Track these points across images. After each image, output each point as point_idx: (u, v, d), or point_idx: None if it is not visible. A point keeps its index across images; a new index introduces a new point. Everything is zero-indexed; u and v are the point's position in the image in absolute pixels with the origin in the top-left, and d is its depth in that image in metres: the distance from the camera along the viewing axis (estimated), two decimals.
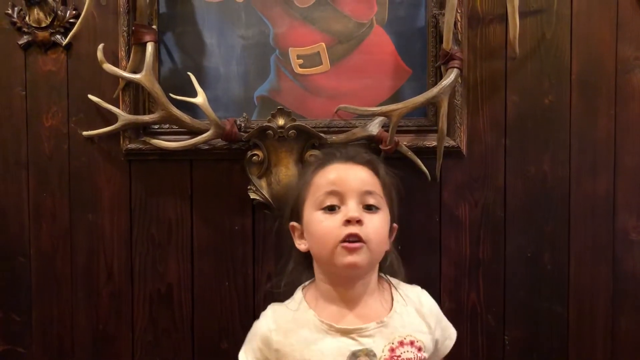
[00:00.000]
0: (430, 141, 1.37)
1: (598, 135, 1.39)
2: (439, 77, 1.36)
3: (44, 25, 1.41)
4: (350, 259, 0.94)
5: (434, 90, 1.31)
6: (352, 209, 0.94)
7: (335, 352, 0.95)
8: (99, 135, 1.41)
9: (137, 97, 1.41)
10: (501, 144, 1.40)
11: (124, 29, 1.38)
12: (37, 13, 1.40)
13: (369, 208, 0.97)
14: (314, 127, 1.36)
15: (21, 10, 1.41)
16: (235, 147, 1.38)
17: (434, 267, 1.41)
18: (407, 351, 0.96)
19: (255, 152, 1.36)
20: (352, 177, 0.98)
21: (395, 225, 1.06)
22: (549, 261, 1.40)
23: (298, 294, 1.05)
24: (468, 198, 1.41)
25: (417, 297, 1.04)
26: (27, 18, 1.41)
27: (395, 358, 0.95)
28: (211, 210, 1.43)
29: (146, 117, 1.38)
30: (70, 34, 1.37)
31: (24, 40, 1.42)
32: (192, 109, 1.36)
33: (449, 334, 1.07)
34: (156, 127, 1.42)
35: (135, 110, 1.40)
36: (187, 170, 1.43)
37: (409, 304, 1.01)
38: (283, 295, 1.10)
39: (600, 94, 1.39)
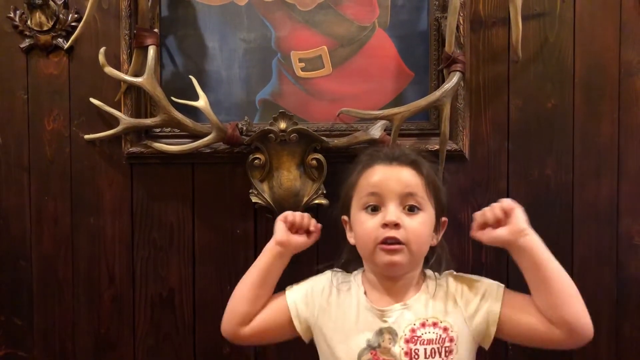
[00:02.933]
0: (433, 145, 1.36)
1: (601, 139, 1.38)
2: (442, 80, 1.36)
3: (45, 28, 1.41)
4: (389, 258, 1.00)
5: (437, 94, 1.31)
6: (390, 212, 1.00)
7: (366, 325, 1.04)
8: (101, 139, 1.41)
9: (139, 101, 1.41)
10: (504, 148, 1.39)
11: (126, 32, 1.38)
12: (39, 16, 1.40)
13: (410, 209, 1.01)
14: (315, 131, 1.36)
15: (23, 13, 1.41)
16: (237, 151, 1.38)
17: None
18: (429, 332, 1.02)
19: (257, 155, 1.36)
20: (394, 179, 1.02)
21: (444, 219, 1.10)
22: None
23: (358, 271, 1.13)
24: (471, 202, 1.40)
25: (444, 281, 1.09)
26: (29, 21, 1.41)
27: (416, 338, 1.01)
28: (213, 214, 1.43)
29: (148, 121, 1.38)
30: (72, 37, 1.38)
31: (26, 43, 1.42)
32: (194, 113, 1.36)
33: (484, 291, 1.07)
34: (158, 130, 1.42)
35: (137, 114, 1.40)
36: (189, 173, 1.43)
37: (437, 289, 1.07)
38: None
39: (604, 98, 1.38)
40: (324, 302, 1.09)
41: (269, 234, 1.40)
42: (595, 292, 1.39)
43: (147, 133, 1.42)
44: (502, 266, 1.40)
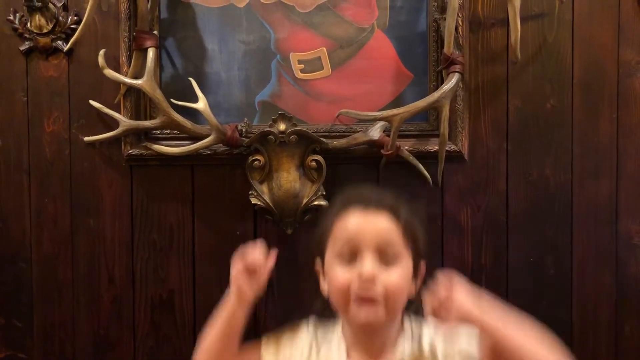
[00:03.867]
0: (432, 146, 1.37)
1: (600, 139, 1.38)
2: (441, 81, 1.36)
3: (45, 31, 1.41)
4: (364, 317, 0.92)
5: (436, 95, 1.31)
6: (366, 265, 0.91)
7: None
8: (101, 141, 1.41)
9: (139, 103, 1.41)
10: (503, 149, 1.40)
11: (125, 34, 1.38)
12: (38, 19, 1.40)
13: (387, 261, 0.93)
14: (315, 132, 1.36)
15: (23, 16, 1.42)
16: (236, 152, 1.38)
17: (436, 272, 1.40)
18: None
19: (257, 157, 1.36)
20: (370, 228, 0.94)
21: (422, 263, 1.01)
22: (551, 266, 1.39)
23: (339, 325, 1.03)
24: (470, 203, 1.40)
25: (429, 343, 0.99)
26: (28, 24, 1.41)
27: None
28: (212, 216, 1.43)
29: (147, 123, 1.38)
30: (72, 39, 1.38)
31: (25, 46, 1.42)
32: (194, 115, 1.36)
33: (461, 344, 0.97)
34: (157, 132, 1.42)
35: (136, 116, 1.40)
36: (189, 175, 1.43)
37: (416, 342, 0.98)
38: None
39: (602, 98, 1.38)
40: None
41: (268, 235, 1.41)
42: (594, 292, 1.40)
43: (146, 135, 1.42)
44: (502, 268, 1.40)
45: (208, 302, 1.42)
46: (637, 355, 1.39)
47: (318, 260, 1.01)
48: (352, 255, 0.93)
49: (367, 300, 0.91)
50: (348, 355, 0.99)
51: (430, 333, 0.99)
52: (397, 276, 0.92)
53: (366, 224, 0.94)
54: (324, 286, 1.00)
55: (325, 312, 1.03)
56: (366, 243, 0.92)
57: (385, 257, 0.92)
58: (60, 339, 1.46)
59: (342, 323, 1.02)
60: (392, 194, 1.01)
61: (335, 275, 0.94)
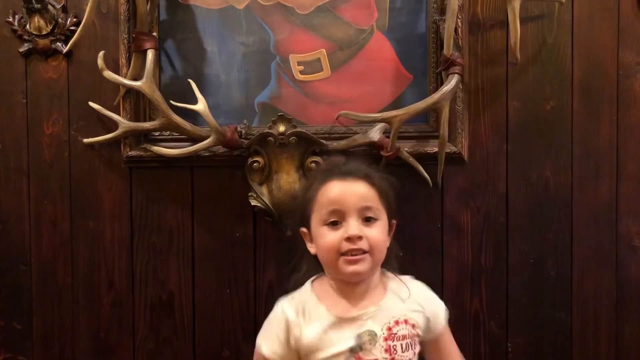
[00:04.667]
0: (432, 147, 1.37)
1: (600, 140, 1.38)
2: (440, 83, 1.36)
3: (44, 32, 1.41)
4: (353, 268, 1.04)
5: (435, 96, 1.31)
6: (352, 226, 1.04)
7: (343, 338, 1.05)
8: (100, 143, 1.41)
9: (138, 105, 1.41)
10: (503, 150, 1.40)
11: (125, 36, 1.38)
12: (37, 21, 1.40)
13: (367, 219, 1.06)
14: (314, 134, 1.36)
15: (22, 18, 1.42)
16: (236, 154, 1.38)
17: (436, 274, 1.40)
18: (403, 328, 1.07)
19: (256, 158, 1.36)
20: (350, 194, 1.07)
21: (394, 221, 1.13)
22: (551, 267, 1.39)
23: (307, 286, 1.13)
24: (470, 204, 1.40)
25: (408, 283, 1.13)
26: (27, 26, 1.41)
27: (393, 335, 1.06)
28: (212, 217, 1.43)
29: (147, 124, 1.38)
30: (71, 41, 1.38)
31: (24, 47, 1.42)
32: (193, 116, 1.36)
33: (438, 309, 1.14)
34: (157, 134, 1.42)
35: (135, 118, 1.40)
36: (188, 177, 1.43)
37: (401, 289, 1.11)
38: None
39: (602, 100, 1.38)
40: (298, 332, 1.07)
41: (268, 237, 1.42)
42: (595, 293, 1.39)
43: (146, 137, 1.42)
44: (502, 269, 1.40)
45: (207, 304, 1.44)
46: (637, 356, 1.39)
47: (303, 228, 1.12)
48: (337, 220, 1.06)
49: (354, 254, 1.04)
50: (329, 309, 1.08)
51: (419, 288, 1.14)
52: (377, 231, 1.07)
53: (347, 192, 1.08)
54: (311, 248, 1.12)
55: (310, 270, 1.15)
56: (349, 208, 1.06)
57: (365, 217, 1.06)
58: (60, 342, 1.46)
59: (326, 277, 1.12)
60: (364, 163, 1.14)
61: (324, 237, 1.07)
